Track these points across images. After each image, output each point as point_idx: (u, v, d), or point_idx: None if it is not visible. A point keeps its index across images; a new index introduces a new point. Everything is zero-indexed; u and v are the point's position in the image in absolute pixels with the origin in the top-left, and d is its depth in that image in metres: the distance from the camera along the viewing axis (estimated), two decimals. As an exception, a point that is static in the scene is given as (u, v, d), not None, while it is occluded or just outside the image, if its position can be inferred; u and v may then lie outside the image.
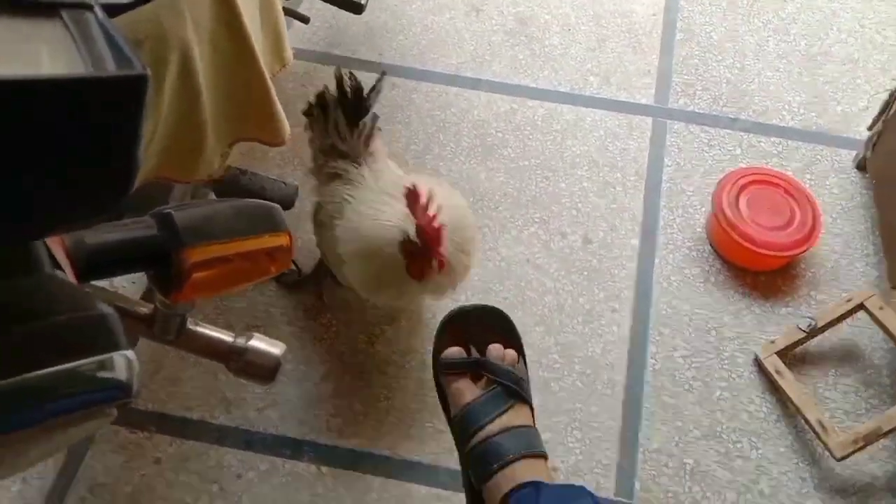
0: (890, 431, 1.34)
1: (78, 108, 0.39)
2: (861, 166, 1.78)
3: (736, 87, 1.94)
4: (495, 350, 1.15)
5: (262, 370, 0.79)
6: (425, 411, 1.42)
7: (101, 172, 0.41)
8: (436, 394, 1.40)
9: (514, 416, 1.09)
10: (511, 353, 1.16)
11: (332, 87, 1.38)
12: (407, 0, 2.09)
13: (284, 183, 1.35)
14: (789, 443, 1.41)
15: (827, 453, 1.37)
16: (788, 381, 1.43)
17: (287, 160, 1.74)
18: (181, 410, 1.40)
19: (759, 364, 1.48)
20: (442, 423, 1.38)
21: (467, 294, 1.55)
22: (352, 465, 1.35)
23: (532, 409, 1.13)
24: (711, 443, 1.40)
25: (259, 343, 0.79)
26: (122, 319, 0.77)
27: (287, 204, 1.34)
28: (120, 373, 0.46)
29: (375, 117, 1.42)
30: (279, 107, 1.25)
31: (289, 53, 1.32)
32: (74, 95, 0.39)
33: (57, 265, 0.50)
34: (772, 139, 1.84)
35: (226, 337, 0.80)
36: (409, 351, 1.49)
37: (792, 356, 1.50)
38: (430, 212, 1.15)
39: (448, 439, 1.35)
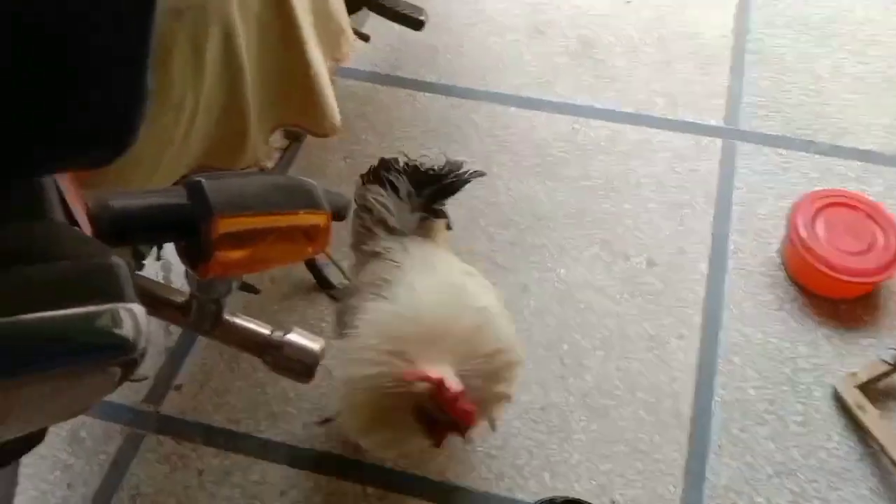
0: None
1: (78, 18, 0.36)
2: (949, 192, 1.66)
3: (811, 109, 1.85)
4: None
5: (300, 366, 0.75)
6: (475, 435, 1.35)
7: (102, 98, 0.38)
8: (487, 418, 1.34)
9: None
10: None
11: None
12: (470, 23, 2.07)
13: (335, 193, 1.31)
14: (873, 485, 1.29)
15: (916, 498, 1.25)
16: (872, 418, 1.32)
17: (343, 178, 1.72)
18: (227, 423, 1.37)
19: (838, 398, 1.37)
20: (492, 448, 1.32)
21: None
22: (398, 488, 1.30)
23: None
24: (785, 481, 1.29)
25: (297, 338, 0.75)
26: (159, 308, 0.75)
27: (340, 215, 1.30)
28: (123, 327, 0.42)
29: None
30: (328, 97, 1.21)
31: (346, 49, 1.29)
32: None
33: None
34: (850, 162, 1.74)
35: (263, 330, 0.76)
36: (461, 371, 1.43)
37: (875, 391, 1.38)
38: (461, 404, 0.99)
39: (497, 465, 1.29)
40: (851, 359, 1.42)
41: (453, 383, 1.00)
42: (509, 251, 1.60)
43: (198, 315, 0.75)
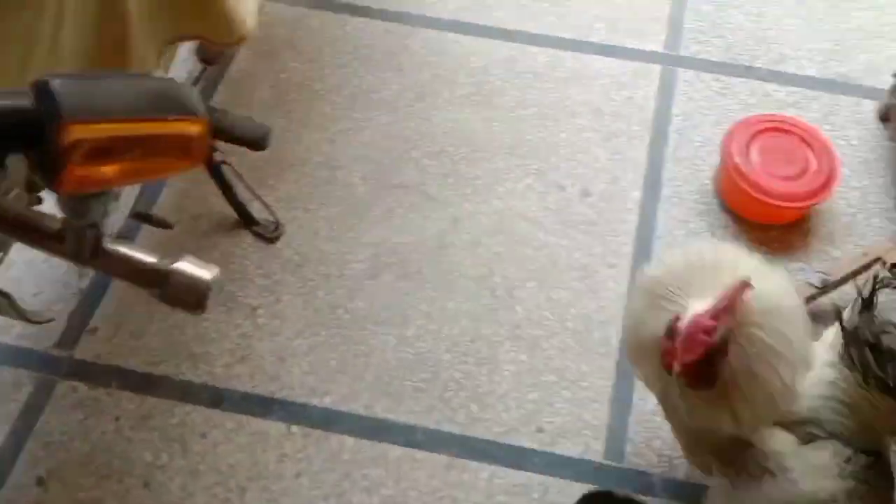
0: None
1: None
2: (884, 117, 1.65)
3: (752, 34, 1.81)
4: None
5: (189, 295, 0.70)
6: (404, 368, 1.33)
7: None
8: (414, 350, 1.32)
9: None
10: None
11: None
12: (404, -56, 1.97)
13: (256, 122, 1.25)
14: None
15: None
16: (798, 342, 1.32)
17: (270, 107, 1.65)
18: (144, 366, 1.33)
19: (766, 323, 1.37)
20: (421, 381, 1.31)
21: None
22: (323, 425, 1.28)
23: None
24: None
25: (186, 265, 0.70)
26: (32, 237, 0.69)
27: (260, 144, 1.24)
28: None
29: None
30: (234, 2, 1.12)
31: None
32: None
33: None
34: (789, 88, 1.71)
35: (149, 258, 0.70)
36: (390, 306, 1.40)
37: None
38: (720, 312, 0.86)
39: (426, 398, 1.28)
40: (781, 285, 1.42)
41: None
42: (441, 182, 1.55)
43: (74, 243, 0.69)
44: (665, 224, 1.50)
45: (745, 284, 0.86)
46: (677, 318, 0.89)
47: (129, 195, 1.20)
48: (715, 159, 1.55)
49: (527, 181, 1.56)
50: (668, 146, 1.61)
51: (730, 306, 0.85)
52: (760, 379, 0.88)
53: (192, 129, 0.59)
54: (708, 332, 0.85)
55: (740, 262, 0.95)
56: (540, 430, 1.28)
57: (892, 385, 0.90)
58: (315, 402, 1.30)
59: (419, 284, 1.42)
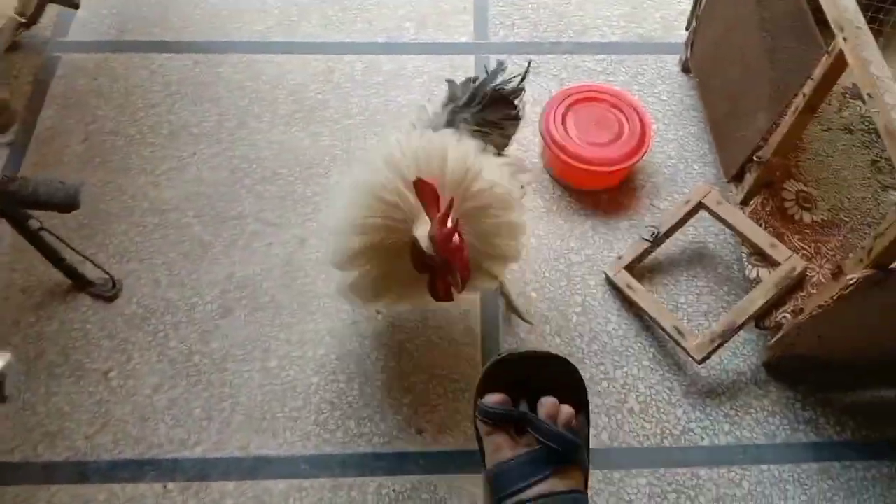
0: (743, 324, 1.33)
1: None
2: (686, 68, 1.77)
3: (554, 10, 1.89)
4: (548, 405, 0.93)
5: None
6: (273, 402, 1.31)
7: None
8: (281, 381, 1.30)
9: (559, 481, 0.89)
10: (567, 409, 0.94)
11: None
12: (200, -29, 1.93)
13: (62, 182, 1.19)
14: (651, 355, 1.38)
15: (690, 359, 1.34)
16: (641, 294, 1.40)
17: (85, 162, 1.57)
18: (0, 454, 1.25)
19: (610, 282, 1.44)
20: (293, 410, 1.29)
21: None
22: (200, 476, 1.24)
23: (586, 471, 0.95)
24: (575, 371, 1.35)
25: None
26: None
27: (70, 204, 1.18)
28: None
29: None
30: None
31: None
32: None
33: None
34: (595, 57, 1.80)
35: None
36: (248, 341, 1.37)
37: (642, 269, 1.47)
38: (450, 221, 0.91)
39: (303, 424, 1.26)
40: (618, 244, 1.50)
41: (442, 192, 0.94)
42: (280, 206, 1.54)
43: None
44: (503, 207, 1.54)
45: (423, 183, 0.93)
46: (419, 251, 0.95)
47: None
48: (539, 138, 1.61)
49: (365, 189, 1.57)
50: (494, 131, 1.65)
51: (445, 210, 0.92)
52: (498, 238, 1.02)
53: None
54: (453, 237, 0.92)
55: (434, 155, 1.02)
56: (420, 432, 1.29)
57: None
58: (187, 454, 1.25)
59: (274, 313, 1.40)
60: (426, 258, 0.94)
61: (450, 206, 0.92)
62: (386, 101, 1.70)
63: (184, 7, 1.85)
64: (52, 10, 1.76)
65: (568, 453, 0.91)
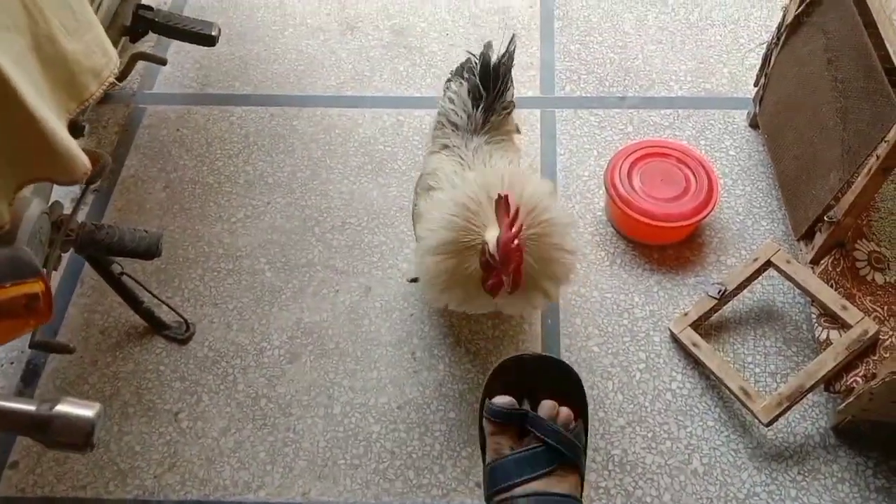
0: (813, 387, 1.29)
1: None
2: (754, 124, 1.76)
3: (620, 66, 1.91)
4: (548, 406, 1.04)
5: (76, 437, 0.70)
6: (335, 448, 1.33)
7: None
8: (343, 428, 1.33)
9: (554, 482, 0.96)
10: (566, 411, 1.04)
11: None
12: (279, 28, 2.03)
13: (146, 231, 1.26)
14: (717, 416, 1.36)
15: (756, 421, 1.31)
16: (707, 352, 1.38)
17: (166, 209, 1.65)
18: (72, 491, 1.30)
19: (675, 339, 1.43)
20: (354, 458, 1.31)
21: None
22: (262, 519, 1.26)
23: (582, 479, 1.02)
24: (637, 429, 1.34)
25: (67, 407, 0.71)
26: None
27: (151, 253, 1.25)
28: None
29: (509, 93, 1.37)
30: (69, 143, 1.10)
31: (91, 90, 1.16)
32: None
33: None
34: (662, 111, 1.81)
35: (26, 406, 0.71)
36: (313, 387, 1.40)
37: (708, 326, 1.45)
38: (515, 228, 1.07)
39: (363, 472, 1.28)
40: (683, 300, 1.49)
41: (515, 202, 1.10)
42: (347, 254, 1.58)
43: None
44: (566, 260, 1.55)
45: (503, 197, 1.08)
46: (485, 251, 1.09)
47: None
48: (602, 191, 1.62)
49: (430, 240, 1.60)
50: (559, 185, 1.67)
51: (513, 218, 1.07)
52: (555, 259, 1.16)
53: (31, 289, 0.61)
54: (514, 242, 1.06)
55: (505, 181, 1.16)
56: (479, 485, 1.29)
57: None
58: (250, 497, 1.28)
59: (339, 360, 1.43)
60: (489, 256, 1.07)
61: (517, 213, 1.08)
62: (452, 154, 1.73)
63: (263, 62, 1.94)
64: (140, 65, 1.87)
65: (565, 452, 0.97)
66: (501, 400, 1.05)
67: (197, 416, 1.37)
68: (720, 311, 1.46)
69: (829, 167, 1.37)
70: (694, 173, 1.55)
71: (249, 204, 1.66)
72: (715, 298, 1.43)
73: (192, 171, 1.71)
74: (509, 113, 1.38)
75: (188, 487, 1.29)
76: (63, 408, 0.71)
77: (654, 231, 1.51)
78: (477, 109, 1.32)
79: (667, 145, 1.60)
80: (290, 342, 1.46)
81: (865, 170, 1.26)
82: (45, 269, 0.62)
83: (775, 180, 1.63)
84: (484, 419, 1.06)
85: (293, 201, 1.67)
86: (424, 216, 1.24)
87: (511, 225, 1.07)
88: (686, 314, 1.44)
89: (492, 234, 1.09)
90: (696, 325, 1.42)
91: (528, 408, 1.04)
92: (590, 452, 1.32)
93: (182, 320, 1.46)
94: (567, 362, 1.13)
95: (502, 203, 1.09)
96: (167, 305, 1.44)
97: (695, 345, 1.40)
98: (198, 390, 1.40)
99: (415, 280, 1.51)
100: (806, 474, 1.29)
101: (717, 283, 1.44)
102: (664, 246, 1.56)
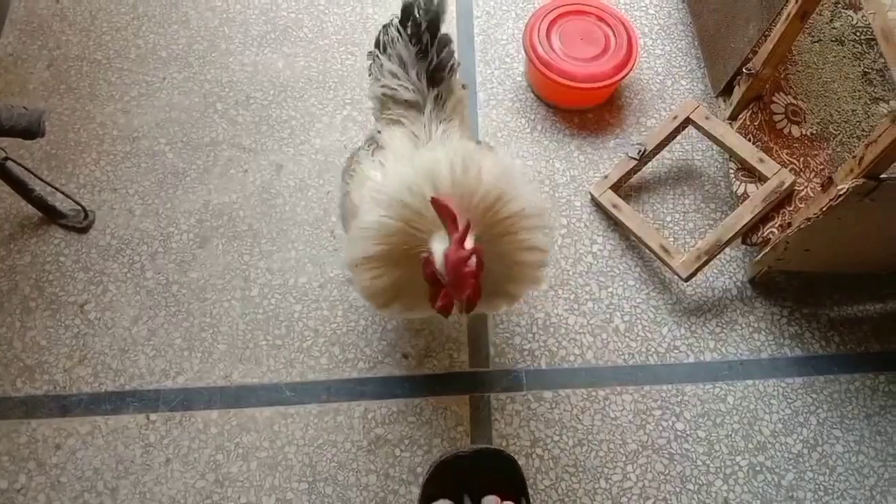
0: (730, 240, 1.31)
1: None
2: (673, -20, 1.70)
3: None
4: (491, 502, 0.97)
5: None
6: (256, 330, 1.29)
7: None
8: (263, 309, 1.29)
9: None
10: None
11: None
12: None
13: (25, 108, 1.14)
14: (637, 275, 1.37)
15: (676, 277, 1.33)
16: (627, 213, 1.38)
17: (51, 89, 1.51)
18: (-24, 391, 1.23)
19: (595, 203, 1.42)
20: (276, 338, 1.27)
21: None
22: (183, 406, 1.23)
23: None
24: (559, 292, 1.34)
25: None
26: None
27: (33, 131, 1.14)
28: None
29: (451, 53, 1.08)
30: None
31: None
32: None
33: None
34: (580, -32, 1.72)
35: None
36: (228, 270, 1.34)
37: (628, 188, 1.44)
38: (468, 245, 0.83)
39: (287, 352, 1.25)
40: (603, 164, 1.47)
41: (461, 214, 0.84)
42: (254, 131, 1.49)
43: None
44: (487, 128, 1.50)
45: (441, 204, 0.85)
46: (428, 262, 0.87)
47: None
48: (522, 55, 1.56)
49: (343, 112, 1.52)
50: (476, 49, 1.59)
51: (464, 232, 0.83)
52: (523, 262, 0.92)
53: None
54: (467, 262, 0.83)
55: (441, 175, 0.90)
56: (405, 356, 1.28)
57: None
58: (169, 384, 1.24)
59: (253, 241, 1.37)
60: (436, 272, 0.86)
61: (467, 228, 0.83)
62: (363, 20, 1.63)
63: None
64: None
65: None
66: None
67: (104, 307, 1.30)
68: (640, 173, 1.44)
69: (748, 17, 1.34)
70: (613, 31, 1.50)
71: (143, 80, 1.53)
72: (635, 159, 1.41)
73: (76, 48, 1.56)
74: (454, 72, 1.10)
75: (101, 379, 1.24)
76: None
77: (574, 93, 1.47)
78: (422, 79, 1.06)
79: (585, 2, 1.53)
80: (198, 226, 1.38)
81: (784, 16, 1.23)
82: None
83: (695, 37, 1.60)
84: None
85: (191, 76, 1.55)
86: (361, 209, 0.96)
87: (462, 240, 0.83)
88: (606, 177, 1.42)
89: (439, 246, 0.86)
90: (617, 188, 1.41)
91: None
92: (513, 318, 1.32)
93: (79, 208, 1.36)
94: (503, 449, 1.04)
95: (441, 210, 0.84)
96: (61, 192, 1.33)
97: (615, 206, 1.39)
98: (103, 280, 1.32)
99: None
100: (724, 326, 1.32)
101: (637, 145, 1.42)
102: (584, 110, 1.53)
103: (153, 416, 1.22)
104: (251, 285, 1.33)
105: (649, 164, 1.44)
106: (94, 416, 1.21)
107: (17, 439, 1.19)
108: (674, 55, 1.61)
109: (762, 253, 1.29)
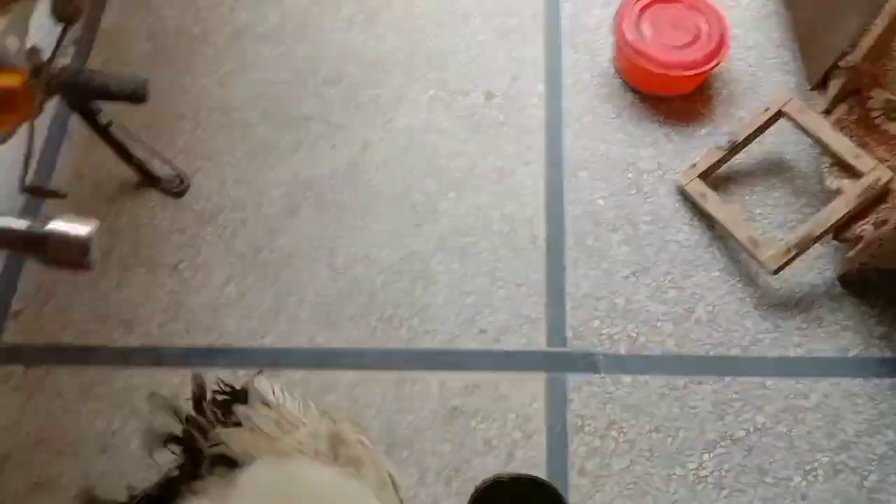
0: (822, 235, 1.29)
1: None
2: (768, -28, 1.67)
3: None
4: None
5: (73, 254, 0.67)
6: (340, 298, 1.33)
7: None
8: (346, 279, 1.32)
9: None
10: None
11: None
12: None
13: (131, 75, 1.19)
14: (723, 266, 1.35)
15: (763, 270, 1.31)
16: (714, 203, 1.36)
17: (151, 61, 1.57)
18: (77, 339, 1.30)
19: (682, 191, 1.40)
20: (359, 307, 1.30)
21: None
22: (270, 364, 1.27)
23: None
24: (641, 279, 1.34)
25: (62, 224, 0.67)
26: None
27: (138, 96, 1.18)
28: None
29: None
30: None
31: None
32: None
33: None
34: (673, -42, 1.70)
35: (17, 225, 0.67)
36: (314, 239, 1.38)
37: (716, 178, 1.42)
38: None
39: (368, 321, 1.28)
40: (691, 153, 1.45)
41: None
42: (343, 108, 1.52)
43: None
44: (572, 113, 1.50)
45: None
46: None
47: (12, 171, 1.13)
48: (610, 41, 1.55)
49: (430, 93, 1.54)
50: (563, 34, 1.60)
51: None
52: None
53: (9, 81, 0.55)
54: None
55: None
56: (482, 332, 1.30)
57: None
58: (256, 344, 1.28)
59: (339, 213, 1.40)
60: None
61: None
62: (451, 3, 1.65)
63: None
64: None
65: None
66: None
67: (198, 268, 1.35)
68: (729, 163, 1.43)
69: (848, 9, 1.31)
70: (706, 20, 1.48)
71: (237, 56, 1.58)
72: (724, 150, 1.40)
73: (176, 21, 1.62)
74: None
75: (193, 335, 1.29)
76: (58, 224, 0.67)
77: (663, 80, 1.46)
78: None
79: (678, -10, 1.52)
80: (288, 196, 1.42)
81: (886, 10, 1.20)
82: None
83: (790, 29, 1.56)
84: None
85: (284, 53, 1.59)
86: None
87: None
88: (694, 165, 1.41)
89: None
90: (704, 177, 1.40)
91: None
92: (591, 301, 1.32)
93: (176, 174, 1.42)
94: (544, 478, 0.97)
95: None
96: (160, 157, 1.39)
97: (703, 195, 1.37)
98: (196, 242, 1.37)
99: None
100: (810, 322, 1.30)
101: (727, 135, 1.40)
102: (673, 98, 1.51)
103: (241, 372, 1.25)
104: (336, 255, 1.36)
105: (738, 155, 1.42)
106: (184, 367, 1.26)
107: (113, 386, 1.25)
108: (766, 47, 1.58)
109: (854, 250, 1.26)
